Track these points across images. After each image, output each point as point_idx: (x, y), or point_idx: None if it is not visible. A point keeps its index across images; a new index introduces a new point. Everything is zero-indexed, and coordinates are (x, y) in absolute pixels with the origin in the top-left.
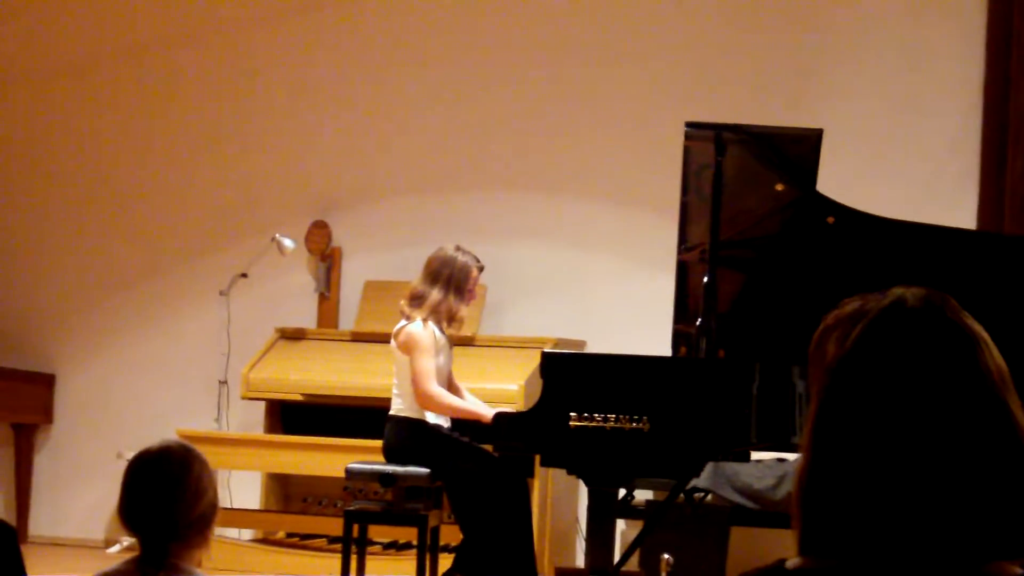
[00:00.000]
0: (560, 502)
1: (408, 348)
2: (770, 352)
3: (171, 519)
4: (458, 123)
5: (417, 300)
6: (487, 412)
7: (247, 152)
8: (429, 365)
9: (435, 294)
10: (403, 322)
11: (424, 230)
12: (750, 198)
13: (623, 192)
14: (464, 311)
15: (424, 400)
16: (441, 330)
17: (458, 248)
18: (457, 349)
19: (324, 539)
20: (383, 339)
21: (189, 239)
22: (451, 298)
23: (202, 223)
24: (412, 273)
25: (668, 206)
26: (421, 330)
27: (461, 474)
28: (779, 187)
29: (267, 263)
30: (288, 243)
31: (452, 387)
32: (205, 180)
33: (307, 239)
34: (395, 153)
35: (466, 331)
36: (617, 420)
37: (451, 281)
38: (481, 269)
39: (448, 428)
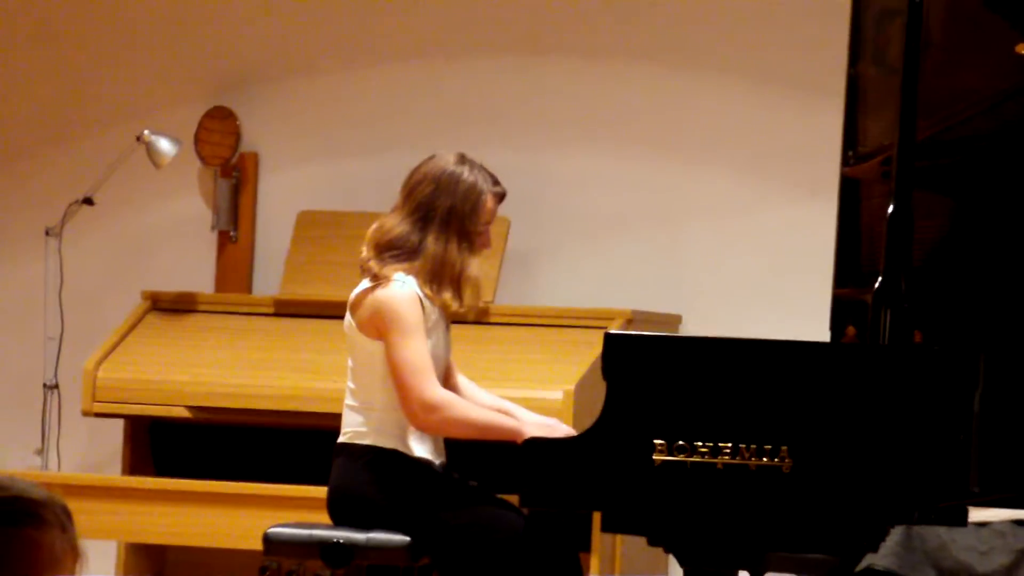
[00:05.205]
0: None
1: (382, 327)
2: (1004, 336)
3: None
4: None
5: (396, 248)
6: (522, 426)
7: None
8: (423, 352)
9: (431, 240)
10: (366, 283)
11: (397, 124)
12: (971, 69)
13: (744, 62)
14: (476, 267)
15: (424, 413)
16: (430, 300)
17: (462, 159)
18: (456, 330)
19: None
20: (330, 311)
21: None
22: (453, 246)
23: (19, 113)
24: (377, 198)
25: (822, 85)
26: (404, 295)
27: (464, 546)
28: (1022, 49)
29: (129, 181)
30: (166, 145)
31: (453, 384)
32: (28, 41)
33: (198, 139)
34: None
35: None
36: (735, 453)
37: (452, 216)
38: (502, 196)
39: (440, 465)
